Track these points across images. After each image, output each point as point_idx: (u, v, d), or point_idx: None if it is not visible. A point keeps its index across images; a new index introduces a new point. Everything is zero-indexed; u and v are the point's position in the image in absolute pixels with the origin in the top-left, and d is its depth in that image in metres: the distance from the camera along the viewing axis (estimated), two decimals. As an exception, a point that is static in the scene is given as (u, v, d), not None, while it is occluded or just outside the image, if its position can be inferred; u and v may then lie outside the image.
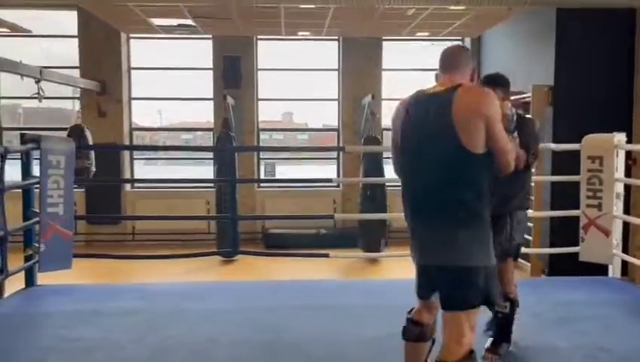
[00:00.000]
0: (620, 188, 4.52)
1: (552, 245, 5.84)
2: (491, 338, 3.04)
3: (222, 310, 4.00)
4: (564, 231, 5.04)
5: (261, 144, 9.62)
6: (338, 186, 9.10)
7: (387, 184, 7.79)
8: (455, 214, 2.11)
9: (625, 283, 4.65)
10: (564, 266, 5.19)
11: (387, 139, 9.18)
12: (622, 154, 4.56)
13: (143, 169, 10.07)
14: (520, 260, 5.04)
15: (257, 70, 9.10)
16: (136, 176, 9.56)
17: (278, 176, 9.78)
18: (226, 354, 3.17)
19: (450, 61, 2.26)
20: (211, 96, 8.92)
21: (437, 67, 2.28)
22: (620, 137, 4.49)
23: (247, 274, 6.71)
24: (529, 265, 6.40)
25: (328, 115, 9.64)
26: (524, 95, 6.44)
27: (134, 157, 9.30)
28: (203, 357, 3.14)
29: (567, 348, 3.11)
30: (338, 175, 9.26)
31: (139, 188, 9.14)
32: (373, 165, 7.69)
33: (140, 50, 9.17)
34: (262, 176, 9.39)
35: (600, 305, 3.98)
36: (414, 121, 2.18)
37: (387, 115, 9.46)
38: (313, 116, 10.46)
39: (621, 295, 4.27)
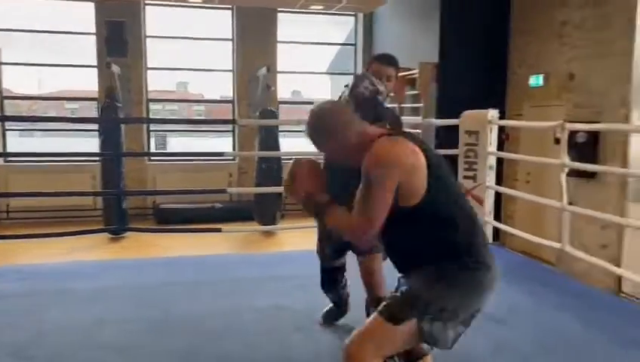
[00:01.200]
0: (492, 160, 4.91)
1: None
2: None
3: (108, 288, 3.85)
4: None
5: (154, 115, 9.19)
6: (234, 160, 8.99)
7: (283, 157, 7.82)
8: None
9: (497, 248, 5.10)
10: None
11: (283, 112, 9.16)
12: (495, 129, 4.94)
13: (18, 141, 9.27)
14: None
15: (145, 37, 8.65)
16: (9, 150, 8.75)
17: (170, 149, 9.46)
18: (110, 334, 3.05)
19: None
20: (95, 63, 8.35)
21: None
22: (494, 113, 4.86)
23: (138, 252, 6.47)
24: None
25: (225, 87, 9.42)
26: (412, 71, 6.73)
27: (7, 128, 8.50)
28: (85, 338, 3.00)
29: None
30: (234, 148, 9.13)
31: (13, 162, 8.40)
32: (269, 138, 7.66)
33: (13, 10, 8.32)
34: (152, 149, 9.01)
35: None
36: (437, 159, 1.97)
37: (283, 88, 9.46)
38: (209, 87, 10.15)
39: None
